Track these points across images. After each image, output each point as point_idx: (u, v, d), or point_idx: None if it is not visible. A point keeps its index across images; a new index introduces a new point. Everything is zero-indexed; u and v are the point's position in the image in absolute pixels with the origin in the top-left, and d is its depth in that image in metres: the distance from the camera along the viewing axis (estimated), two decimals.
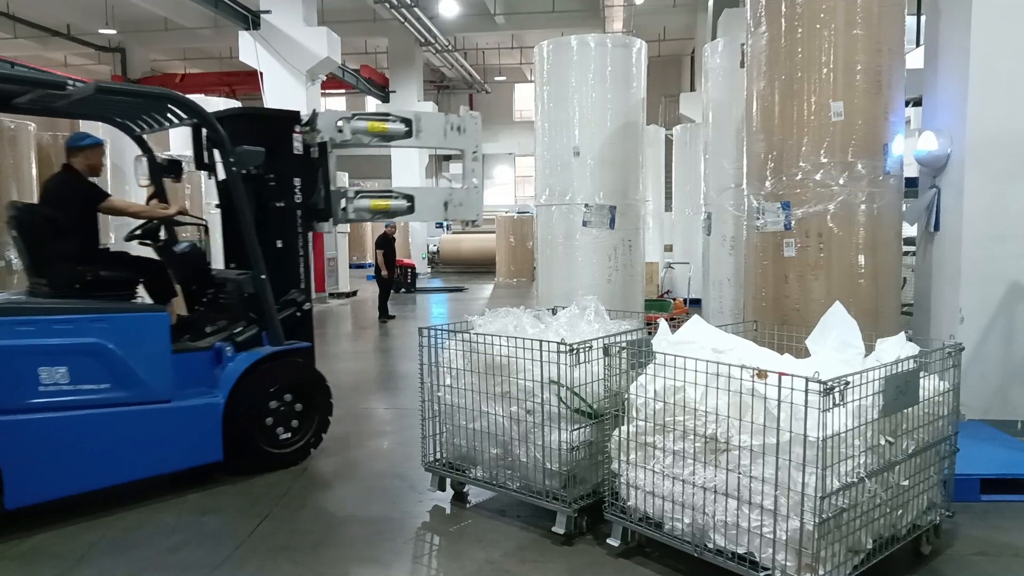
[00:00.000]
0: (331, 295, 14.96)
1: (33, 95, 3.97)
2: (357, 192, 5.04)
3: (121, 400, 3.87)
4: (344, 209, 4.94)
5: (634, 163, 6.81)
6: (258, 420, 4.46)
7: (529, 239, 17.22)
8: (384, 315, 11.94)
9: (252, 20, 13.66)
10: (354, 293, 15.63)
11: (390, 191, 5.23)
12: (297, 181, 4.82)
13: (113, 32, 20.05)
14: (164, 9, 18.41)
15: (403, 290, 16.18)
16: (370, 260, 12.79)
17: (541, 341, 3.49)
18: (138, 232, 4.80)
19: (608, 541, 3.42)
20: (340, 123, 4.84)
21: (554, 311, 4.25)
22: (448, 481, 4.13)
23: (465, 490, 4.15)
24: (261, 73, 13.63)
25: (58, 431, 3.67)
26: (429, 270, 22.75)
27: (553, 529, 3.55)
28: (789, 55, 4.34)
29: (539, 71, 6.92)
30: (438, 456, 4.12)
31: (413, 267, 17.44)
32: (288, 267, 4.82)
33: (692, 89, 19.19)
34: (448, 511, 4.03)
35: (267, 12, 13.69)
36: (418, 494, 4.23)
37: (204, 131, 4.69)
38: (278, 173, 4.75)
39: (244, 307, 4.64)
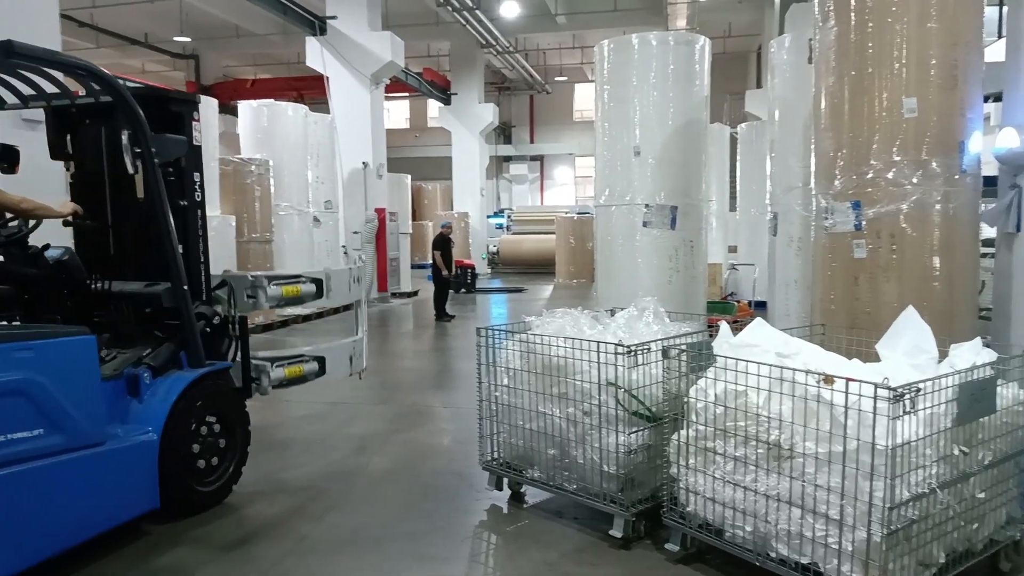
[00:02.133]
0: (393, 295, 15.22)
1: None
2: (274, 362, 4.72)
3: (56, 447, 3.15)
4: (258, 381, 4.56)
5: (696, 162, 6.69)
6: (190, 455, 3.88)
7: (589, 240, 17.14)
8: (443, 315, 12.04)
9: (319, 26, 14.01)
10: (415, 293, 15.85)
11: (302, 355, 4.98)
12: (197, 176, 4.27)
13: (187, 40, 20.87)
14: (235, 16, 19.05)
15: (463, 290, 16.31)
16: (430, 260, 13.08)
17: (598, 342, 3.47)
18: (4, 238, 3.92)
19: (667, 546, 3.38)
20: (257, 292, 4.48)
21: (612, 312, 4.22)
22: (505, 480, 4.14)
23: (522, 490, 4.16)
24: (327, 77, 13.96)
25: None
26: (489, 270, 22.88)
27: (610, 532, 3.53)
28: (859, 50, 4.20)
29: (599, 70, 6.88)
30: (496, 455, 4.14)
31: (473, 267, 17.57)
32: (191, 276, 4.13)
33: (758, 86, 18.75)
34: (505, 510, 4.05)
35: (333, 18, 14.02)
36: (476, 492, 4.26)
37: (116, 114, 3.94)
38: (177, 167, 4.15)
39: (148, 325, 4.09)
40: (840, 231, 4.33)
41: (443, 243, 12.39)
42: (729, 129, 14.98)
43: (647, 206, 6.49)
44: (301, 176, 12.58)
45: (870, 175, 4.18)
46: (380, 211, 14.72)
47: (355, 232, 14.25)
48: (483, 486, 4.22)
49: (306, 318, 11.32)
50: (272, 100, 13.43)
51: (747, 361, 3.00)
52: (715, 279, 11.82)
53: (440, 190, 25.46)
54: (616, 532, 3.51)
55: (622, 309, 4.16)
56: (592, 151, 7.37)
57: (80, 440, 3.26)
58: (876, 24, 4.12)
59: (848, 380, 2.63)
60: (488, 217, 24.81)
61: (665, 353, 3.45)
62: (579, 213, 20.72)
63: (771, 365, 2.92)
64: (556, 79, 28.42)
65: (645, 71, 6.50)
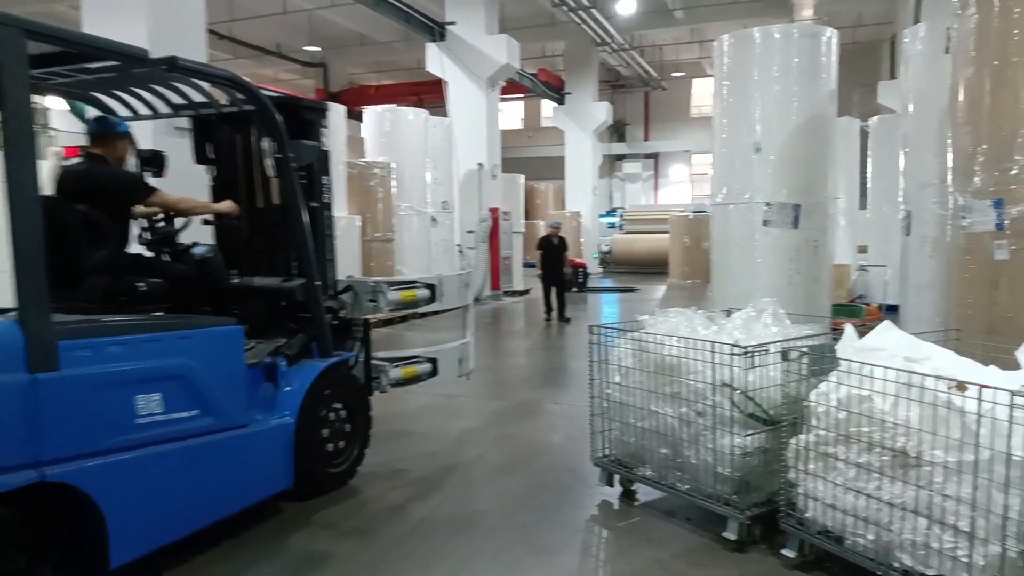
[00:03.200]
0: (505, 293, 15.48)
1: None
2: (392, 363, 4.98)
3: (208, 428, 3.43)
4: (378, 380, 4.79)
5: (821, 158, 6.45)
6: (320, 439, 4.14)
7: (704, 239, 16.75)
8: (548, 313, 12.02)
9: (438, 32, 14.47)
10: (527, 291, 16.05)
11: (418, 357, 5.26)
12: (325, 179, 4.52)
13: (317, 49, 22.08)
14: (361, 26, 19.97)
15: (574, 289, 16.34)
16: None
17: (713, 343, 3.45)
18: (158, 236, 4.22)
19: (783, 552, 3.31)
20: (377, 296, 4.72)
21: (728, 313, 4.16)
22: (617, 478, 4.18)
23: (633, 488, 4.18)
24: (445, 82, 14.38)
25: (156, 469, 3.18)
26: (601, 270, 22.81)
27: (724, 535, 3.49)
28: (1002, 38, 3.93)
29: (719, 66, 6.76)
30: (607, 452, 4.18)
31: (585, 267, 17.56)
32: (320, 272, 4.35)
33: (892, 77, 17.69)
34: (616, 507, 4.09)
35: (452, 23, 14.43)
36: (587, 488, 4.32)
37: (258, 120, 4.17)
38: (308, 170, 4.39)
39: (282, 317, 4.35)
40: (979, 231, 4.07)
41: (544, 244, 12.26)
42: (859, 123, 14.23)
43: (768, 204, 6.32)
44: (420, 178, 13.05)
45: (1014, 171, 3.92)
46: (494, 211, 15.02)
47: (470, 231, 14.62)
48: (594, 482, 4.27)
49: (423, 315, 11.73)
50: (394, 105, 14.00)
51: (873, 365, 2.90)
52: (842, 281, 11.29)
53: (552, 189, 25.63)
54: (730, 535, 3.47)
55: (739, 310, 4.10)
56: (709, 148, 7.25)
57: (228, 421, 3.53)
58: (1023, 10, 3.85)
59: (982, 387, 2.50)
60: (600, 216, 24.74)
61: (784, 355, 3.38)
62: (695, 212, 20.29)
63: (898, 370, 2.81)
64: (672, 75, 27.91)
65: (767, 65, 6.34)
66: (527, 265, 17.86)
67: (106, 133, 3.92)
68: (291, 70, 24.39)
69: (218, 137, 4.61)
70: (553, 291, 12.02)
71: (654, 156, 30.62)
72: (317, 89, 23.45)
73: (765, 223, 6.33)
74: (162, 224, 4.21)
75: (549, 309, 12.06)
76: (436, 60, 14.65)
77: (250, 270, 4.50)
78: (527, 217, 21.36)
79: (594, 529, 3.92)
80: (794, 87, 6.29)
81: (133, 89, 4.08)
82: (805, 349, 3.34)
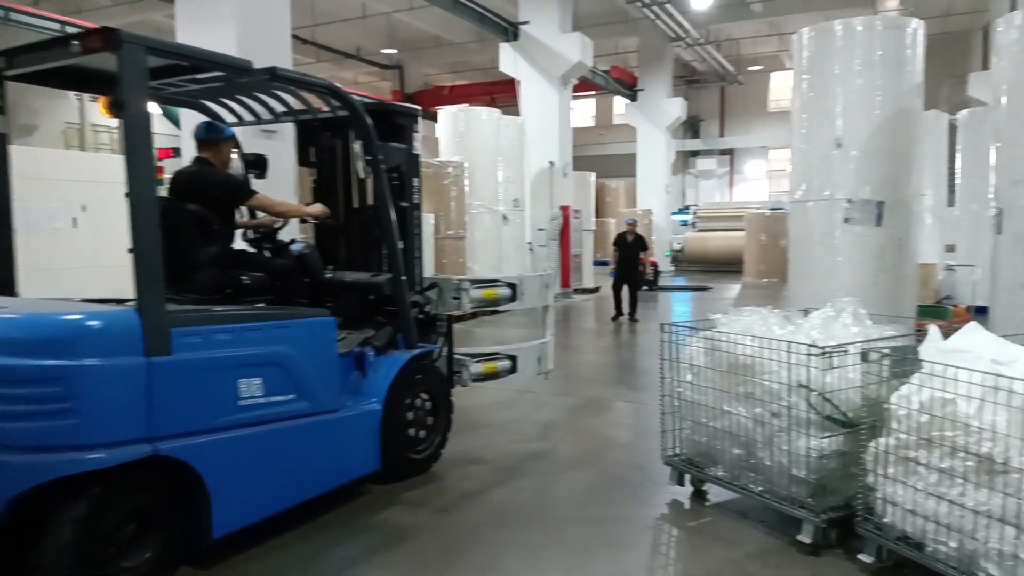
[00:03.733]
0: (575, 291, 15.48)
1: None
2: (473, 358, 5.17)
3: (303, 411, 3.64)
4: (459, 374, 5.01)
5: (906, 154, 6.23)
6: (405, 425, 4.35)
7: (782, 237, 16.32)
8: (618, 313, 11.90)
9: (512, 31, 14.57)
10: (597, 289, 16.01)
11: (497, 354, 5.36)
12: (415, 181, 4.76)
13: (394, 51, 22.55)
14: (437, 28, 20.30)
15: (645, 288, 16.19)
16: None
17: (789, 342, 3.40)
18: (258, 234, 4.56)
19: (860, 556, 3.25)
20: (461, 294, 4.96)
21: (806, 312, 4.08)
22: (687, 477, 4.16)
23: (704, 488, 4.15)
24: (518, 81, 14.46)
25: (255, 448, 3.42)
26: (672, 268, 22.51)
27: (799, 538, 3.45)
28: None
29: (798, 59, 6.61)
30: (677, 451, 4.17)
31: (656, 265, 17.36)
32: (407, 268, 4.56)
33: (984, 68, 16.79)
34: (687, 507, 4.08)
35: (525, 23, 14.50)
36: (656, 486, 4.32)
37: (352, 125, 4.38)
38: (400, 172, 4.64)
39: (372, 310, 4.56)
40: None
41: (619, 241, 12.12)
42: (948, 116, 13.59)
43: (849, 201, 6.15)
44: (492, 176, 13.17)
45: None
46: (564, 209, 15.04)
47: (540, 229, 14.68)
48: (664, 480, 4.26)
49: (494, 311, 11.85)
50: (467, 105, 14.18)
51: (957, 367, 2.82)
52: (928, 281, 10.82)
53: (624, 187, 25.40)
54: (805, 538, 3.42)
55: (817, 309, 4.02)
56: (787, 143, 7.09)
57: (321, 406, 3.75)
58: None
59: None
60: (672, 214, 24.40)
61: (864, 356, 3.31)
62: (772, 209, 19.77)
63: (985, 372, 2.72)
64: (749, 69, 27.22)
65: (849, 58, 6.17)
66: (597, 263, 17.80)
67: (213, 138, 4.21)
68: (369, 72, 24.99)
69: (319, 141, 4.90)
70: (625, 289, 11.89)
71: (729, 152, 29.94)
72: (393, 91, 23.95)
73: (846, 220, 6.16)
74: (263, 224, 4.53)
75: (619, 307, 11.95)
76: (509, 60, 14.76)
77: (347, 266, 4.78)
78: (598, 215, 21.25)
79: (664, 527, 3.92)
80: (877, 80, 6.10)
81: (237, 96, 4.36)
82: (886, 350, 3.27)
